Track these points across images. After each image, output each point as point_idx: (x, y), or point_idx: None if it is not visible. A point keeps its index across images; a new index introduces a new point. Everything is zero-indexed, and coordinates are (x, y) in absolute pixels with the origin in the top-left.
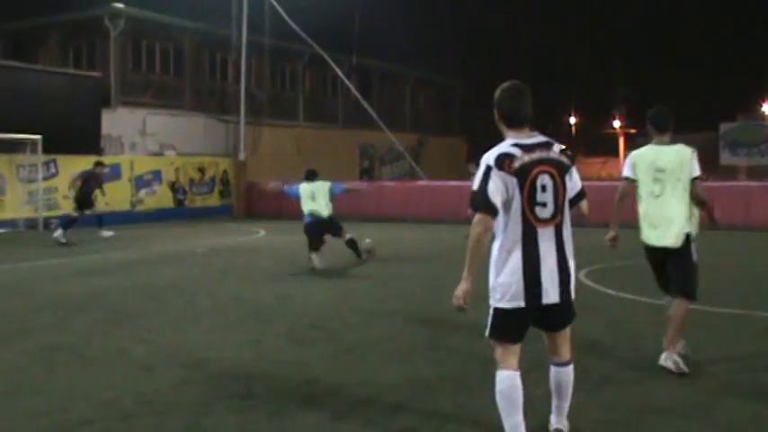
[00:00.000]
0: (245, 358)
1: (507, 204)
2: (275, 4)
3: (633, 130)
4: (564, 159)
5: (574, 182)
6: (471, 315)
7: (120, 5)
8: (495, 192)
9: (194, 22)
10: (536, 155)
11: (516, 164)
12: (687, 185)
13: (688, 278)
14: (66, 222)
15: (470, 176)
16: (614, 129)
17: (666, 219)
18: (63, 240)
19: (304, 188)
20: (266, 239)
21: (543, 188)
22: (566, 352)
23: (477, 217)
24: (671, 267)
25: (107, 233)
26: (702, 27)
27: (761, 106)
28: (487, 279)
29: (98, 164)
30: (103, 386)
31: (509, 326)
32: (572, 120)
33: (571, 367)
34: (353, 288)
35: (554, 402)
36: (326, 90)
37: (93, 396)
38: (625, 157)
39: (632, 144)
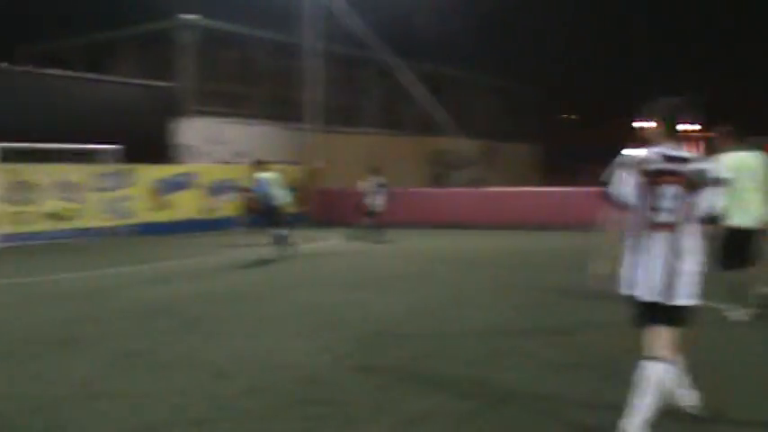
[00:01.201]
0: (317, 364)
1: (633, 202)
2: (346, 12)
3: (709, 134)
4: (700, 178)
5: (706, 199)
6: (544, 322)
7: (193, 16)
8: (623, 188)
9: (265, 30)
10: (672, 165)
11: (647, 167)
12: (763, 180)
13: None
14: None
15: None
16: (685, 131)
17: (748, 206)
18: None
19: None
20: (338, 246)
21: (668, 196)
22: (658, 348)
23: (608, 207)
24: (751, 243)
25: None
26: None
27: None
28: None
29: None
30: (177, 391)
31: (635, 311)
32: (644, 124)
33: (660, 365)
34: (427, 294)
35: (631, 400)
36: (397, 97)
37: (167, 401)
38: None
39: (705, 148)
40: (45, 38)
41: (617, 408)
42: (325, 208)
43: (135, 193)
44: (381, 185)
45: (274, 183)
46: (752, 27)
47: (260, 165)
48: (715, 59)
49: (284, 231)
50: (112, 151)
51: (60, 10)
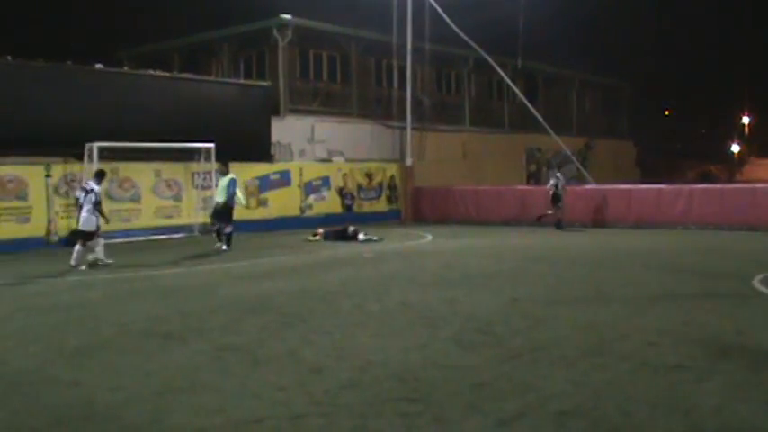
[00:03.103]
0: (412, 362)
1: None
2: (439, 9)
3: None
4: None
5: None
6: (641, 322)
7: (288, 16)
8: None
9: (359, 29)
10: None
11: None
12: None
13: None
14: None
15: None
16: None
17: None
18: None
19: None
20: (433, 244)
21: None
22: None
23: None
24: None
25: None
26: None
27: None
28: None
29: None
30: (274, 386)
31: None
32: (745, 119)
33: None
34: (520, 293)
35: None
36: (492, 94)
37: (265, 395)
38: None
39: None
40: (146, 40)
41: (718, 412)
42: (418, 206)
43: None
44: (556, 179)
45: (237, 185)
46: None
47: (224, 167)
48: None
49: (229, 229)
50: (208, 150)
51: (160, 12)
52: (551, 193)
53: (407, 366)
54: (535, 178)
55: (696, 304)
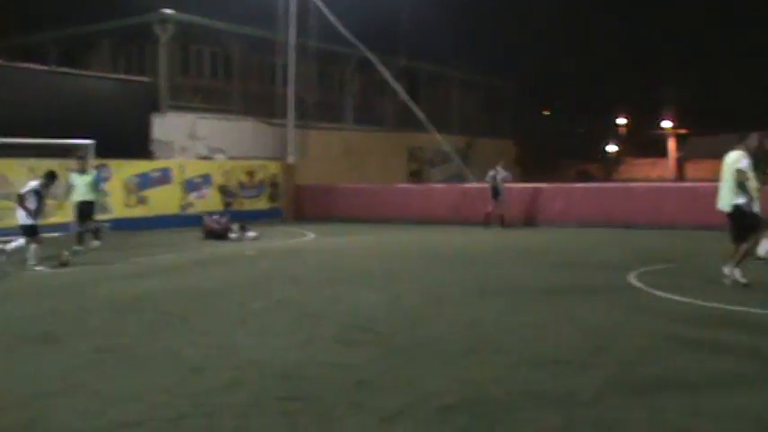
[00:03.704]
0: (294, 360)
1: None
2: (322, 7)
3: (684, 131)
4: None
5: None
6: (521, 318)
7: (170, 11)
8: None
9: (242, 26)
10: None
11: None
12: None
13: (742, 230)
14: None
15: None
16: (663, 129)
17: (721, 194)
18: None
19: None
20: (315, 242)
21: None
22: None
23: None
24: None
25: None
26: (753, 27)
27: None
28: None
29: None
30: (155, 387)
31: None
32: (621, 120)
33: None
34: (401, 291)
35: None
36: (374, 92)
37: (145, 397)
38: (676, 157)
39: (683, 145)
40: (20, 32)
41: (595, 404)
42: (300, 204)
43: (110, 188)
44: (495, 171)
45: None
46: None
47: (84, 164)
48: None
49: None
50: (86, 146)
51: (36, 3)
52: (490, 187)
53: (289, 365)
54: (417, 176)
55: (574, 300)
